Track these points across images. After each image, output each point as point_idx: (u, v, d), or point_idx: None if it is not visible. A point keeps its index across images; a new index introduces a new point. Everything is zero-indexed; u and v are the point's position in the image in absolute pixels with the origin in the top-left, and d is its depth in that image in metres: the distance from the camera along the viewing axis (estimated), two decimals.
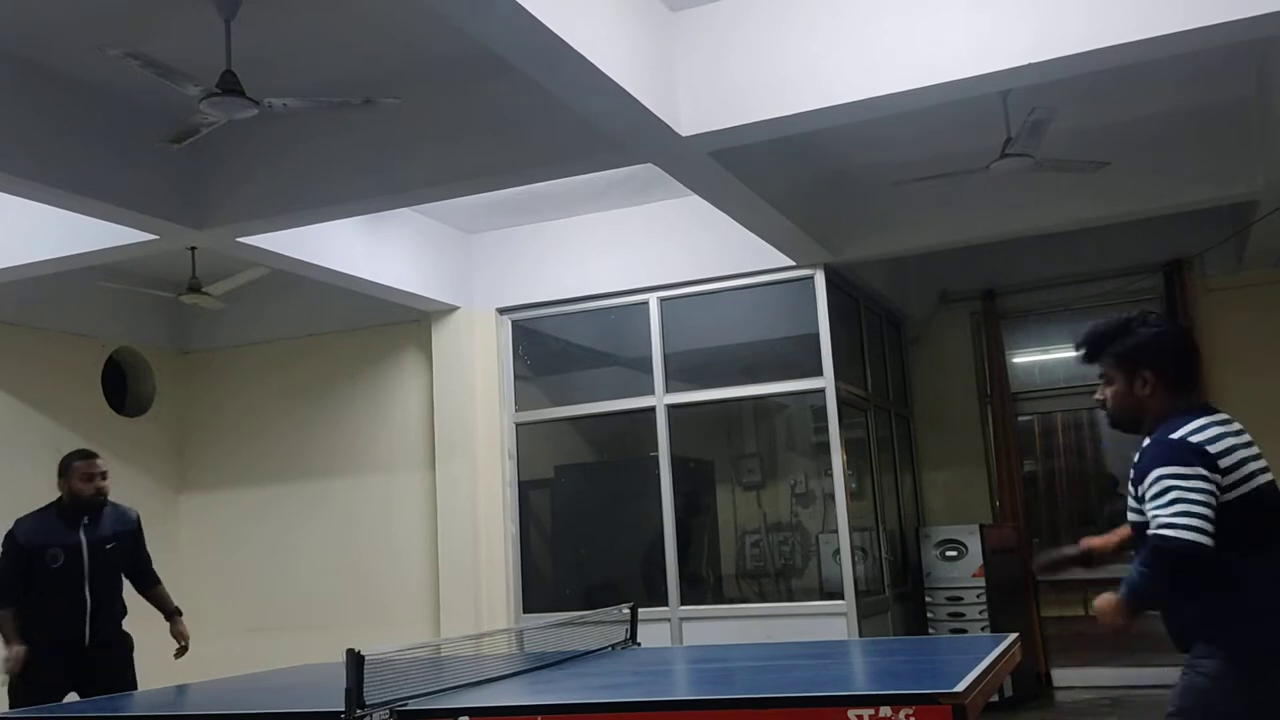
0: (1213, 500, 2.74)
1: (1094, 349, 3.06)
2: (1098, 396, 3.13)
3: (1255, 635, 2.78)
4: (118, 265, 7.77)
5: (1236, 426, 2.92)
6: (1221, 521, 2.73)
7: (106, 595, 5.55)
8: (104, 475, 5.58)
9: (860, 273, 8.07)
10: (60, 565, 5.39)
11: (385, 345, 8.94)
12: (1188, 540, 2.69)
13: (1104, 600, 2.89)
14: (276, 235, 6.74)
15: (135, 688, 5.52)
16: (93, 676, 5.36)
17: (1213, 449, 2.80)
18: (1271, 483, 2.87)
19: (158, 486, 9.31)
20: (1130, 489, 2.98)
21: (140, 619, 5.84)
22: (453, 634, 7.48)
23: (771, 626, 7.22)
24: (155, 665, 5.74)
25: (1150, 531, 2.78)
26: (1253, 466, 2.84)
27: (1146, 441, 2.95)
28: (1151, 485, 2.80)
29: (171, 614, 5.83)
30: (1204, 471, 2.76)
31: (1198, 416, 2.88)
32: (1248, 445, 2.90)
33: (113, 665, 5.52)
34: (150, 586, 5.88)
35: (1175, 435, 2.84)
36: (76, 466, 5.52)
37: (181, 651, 5.75)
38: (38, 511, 5.54)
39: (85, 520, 5.52)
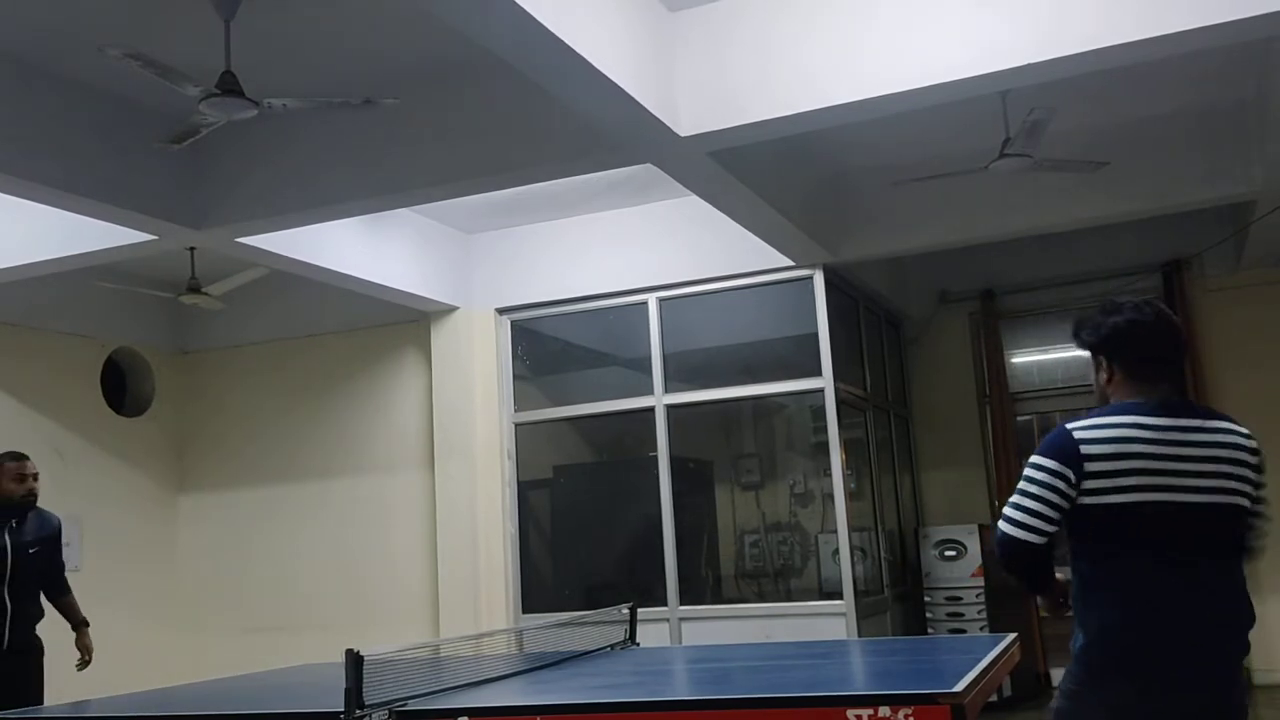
0: (1055, 499, 2.63)
1: (1074, 336, 2.97)
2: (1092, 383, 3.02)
3: (1099, 645, 2.65)
4: (117, 265, 7.77)
5: (1198, 437, 2.67)
6: (1079, 525, 2.66)
7: (25, 600, 5.48)
8: (35, 477, 5.54)
9: (859, 273, 8.08)
10: None
11: (384, 345, 8.94)
12: (1008, 535, 2.68)
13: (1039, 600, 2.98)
14: (276, 235, 6.75)
15: (42, 697, 5.45)
16: (2, 682, 5.28)
17: (1088, 449, 2.62)
18: (1167, 504, 2.61)
19: (157, 486, 9.32)
20: None
21: (54, 624, 5.81)
22: (452, 634, 7.48)
23: (770, 626, 7.22)
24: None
25: None
26: (1146, 480, 2.61)
27: None
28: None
29: (79, 624, 5.75)
30: (1058, 467, 2.63)
31: (1122, 413, 2.68)
32: (1180, 458, 2.63)
33: (27, 671, 5.45)
34: (62, 594, 5.78)
35: (1070, 424, 2.71)
36: (8, 467, 5.47)
37: (84, 664, 5.69)
38: None
39: (12, 523, 5.46)
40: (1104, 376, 2.83)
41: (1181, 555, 2.63)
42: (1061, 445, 2.66)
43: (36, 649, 5.57)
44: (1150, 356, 2.80)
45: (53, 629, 5.76)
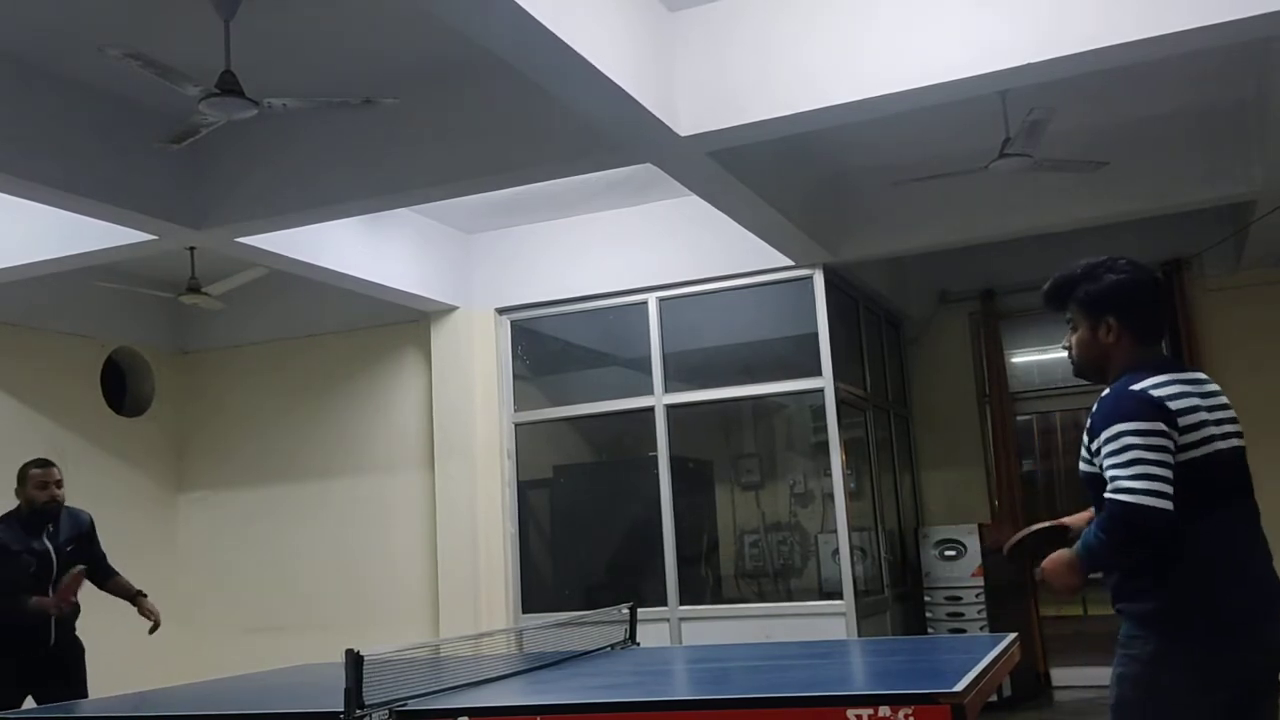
0: (1171, 460, 2.57)
1: (1059, 293, 2.92)
2: (1064, 344, 2.99)
3: (1191, 603, 2.60)
4: (117, 265, 7.77)
5: (1210, 387, 2.76)
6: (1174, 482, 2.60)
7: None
8: (59, 483, 5.65)
9: (859, 273, 8.08)
10: (33, 572, 5.47)
11: (384, 345, 8.94)
12: (1148, 506, 2.52)
13: (1055, 558, 2.76)
14: (275, 235, 6.74)
15: (87, 690, 5.59)
16: (48, 679, 5.42)
17: (1174, 405, 2.62)
18: (1231, 450, 2.71)
19: (157, 486, 9.31)
20: (1084, 439, 2.78)
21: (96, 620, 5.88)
22: (452, 634, 7.48)
23: (770, 626, 7.22)
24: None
25: (1108, 495, 2.59)
26: (1212, 430, 2.67)
27: (1106, 391, 2.78)
28: (1109, 441, 2.61)
29: (135, 596, 5.87)
30: (1163, 428, 2.58)
31: (1163, 371, 2.71)
32: (1214, 408, 2.72)
33: (73, 668, 5.60)
34: (109, 578, 5.93)
35: (1137, 387, 2.65)
36: (33, 474, 5.60)
37: (155, 627, 5.81)
38: (1, 519, 5.60)
39: (49, 527, 5.60)
40: (1110, 336, 2.80)
41: (1246, 503, 2.72)
42: (1156, 405, 2.62)
43: (79, 648, 5.69)
44: (1154, 314, 2.84)
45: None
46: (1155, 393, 2.64)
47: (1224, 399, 2.79)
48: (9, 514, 5.62)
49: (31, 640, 5.43)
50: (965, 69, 4.72)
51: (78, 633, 5.71)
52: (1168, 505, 2.53)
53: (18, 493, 5.60)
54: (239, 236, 6.56)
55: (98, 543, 5.91)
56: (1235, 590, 2.63)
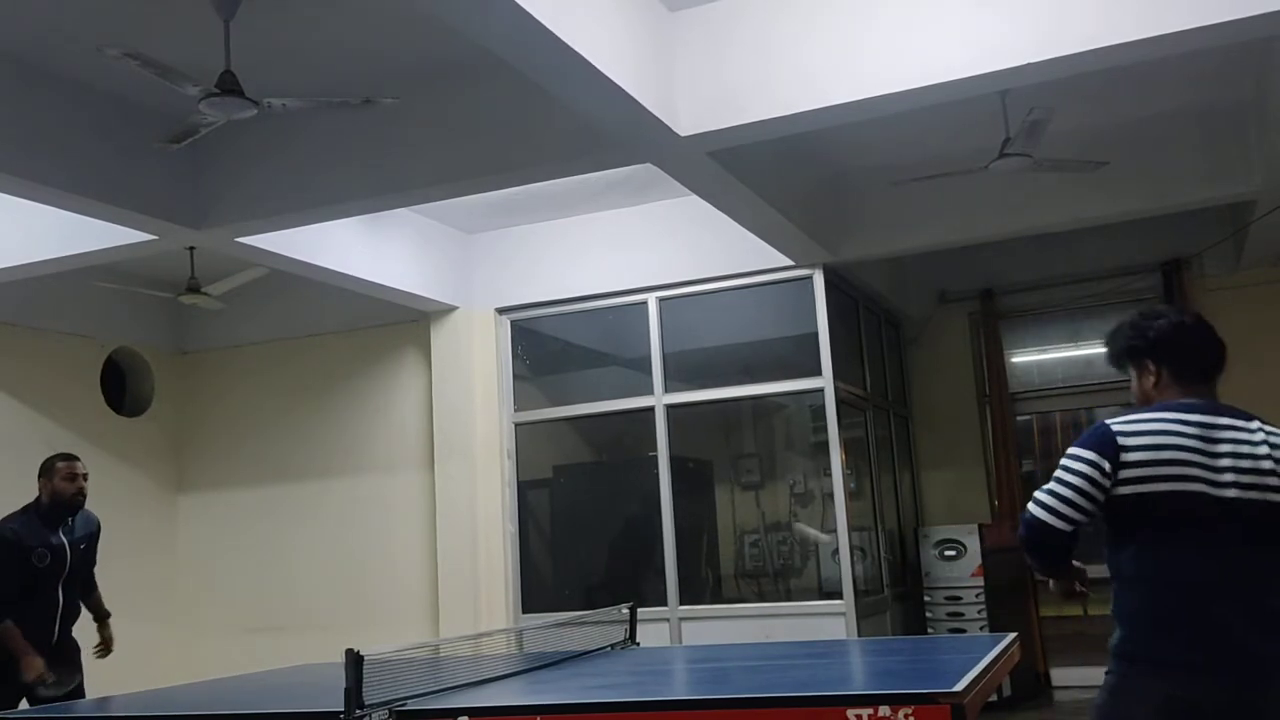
0: (1088, 488, 2.69)
1: (1111, 347, 3.05)
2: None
3: (1132, 637, 2.71)
4: (117, 265, 7.77)
5: (1228, 434, 2.71)
6: (1114, 516, 2.72)
7: (73, 597, 5.61)
8: (85, 477, 5.61)
9: (859, 273, 8.08)
10: (45, 566, 5.42)
11: (384, 345, 8.94)
12: (1029, 515, 2.74)
13: (1050, 586, 2.98)
14: (275, 235, 6.74)
15: (84, 689, 5.56)
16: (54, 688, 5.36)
17: (1125, 441, 2.70)
18: (1202, 495, 2.66)
19: (157, 486, 9.31)
20: None
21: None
22: (452, 634, 7.48)
23: (770, 626, 7.22)
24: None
25: None
26: (1182, 471, 2.67)
27: None
28: None
29: (104, 618, 5.88)
30: (1094, 457, 2.71)
31: (1163, 410, 2.77)
32: (1207, 454, 2.69)
33: (73, 666, 5.56)
34: (93, 591, 5.89)
35: (1109, 420, 2.80)
36: (60, 468, 5.53)
37: (105, 652, 5.79)
38: (19, 513, 5.53)
39: (68, 521, 5.56)
40: (1150, 380, 2.91)
41: (1216, 545, 2.68)
42: (1099, 437, 2.74)
43: (77, 648, 5.67)
44: (1195, 360, 2.92)
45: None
46: (1117, 427, 2.75)
47: (1259, 450, 2.72)
48: (27, 507, 5.55)
49: (34, 640, 5.36)
50: (965, 69, 4.72)
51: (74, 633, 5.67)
52: (1050, 519, 2.71)
53: (42, 485, 5.53)
54: (239, 236, 6.56)
55: (96, 549, 5.86)
56: (1178, 631, 2.65)
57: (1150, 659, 2.67)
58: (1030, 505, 2.76)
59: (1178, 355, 2.90)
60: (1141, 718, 2.66)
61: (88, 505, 5.72)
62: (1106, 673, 2.77)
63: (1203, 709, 2.60)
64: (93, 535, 5.75)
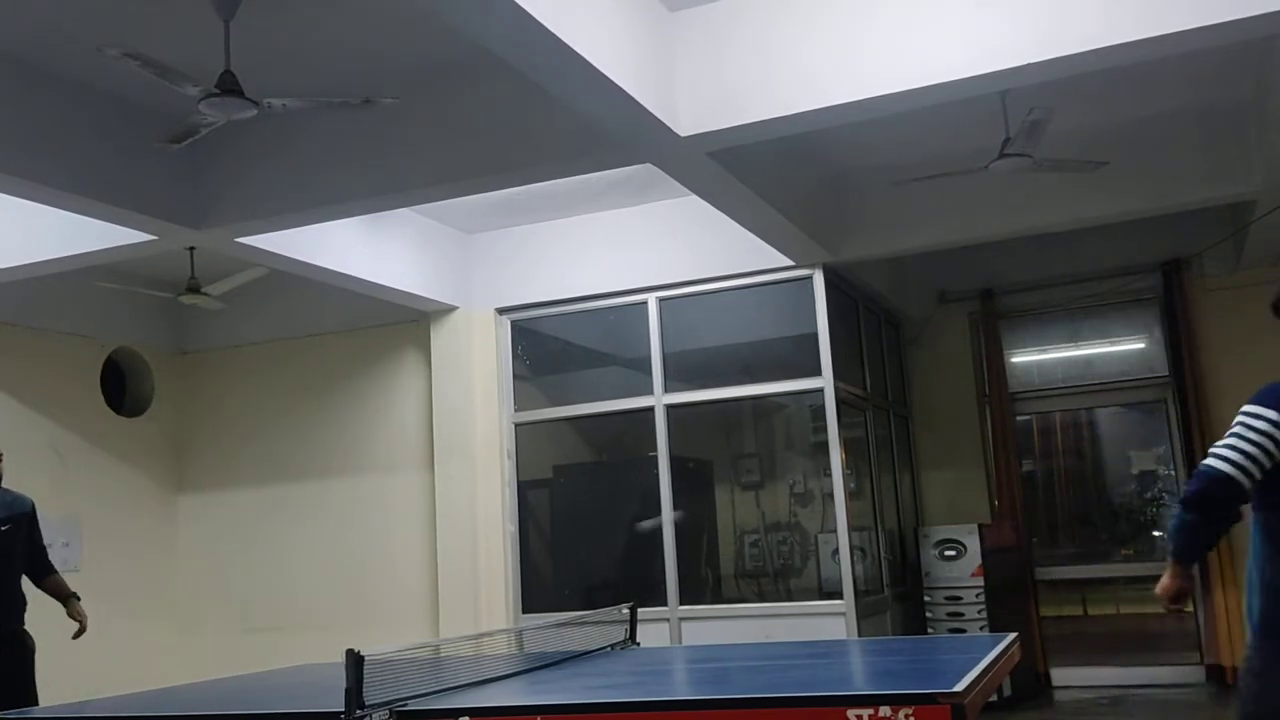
0: (1271, 446, 2.66)
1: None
2: None
3: None
4: (117, 265, 7.77)
5: None
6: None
7: (3, 585, 5.39)
8: (0, 457, 5.45)
9: (859, 273, 8.08)
10: None
11: (384, 345, 8.94)
12: (1216, 470, 2.65)
13: (1160, 584, 2.84)
14: (275, 235, 6.75)
15: (35, 696, 5.29)
16: None
17: None
18: None
19: (157, 487, 9.32)
20: None
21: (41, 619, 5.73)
22: (452, 634, 7.48)
23: (770, 626, 7.22)
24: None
25: None
26: None
27: None
28: (1235, 420, 2.75)
29: (68, 598, 5.67)
30: (1278, 418, 2.67)
31: None
32: None
33: (13, 666, 5.30)
34: (46, 575, 5.72)
35: None
36: None
37: (80, 632, 5.63)
38: None
39: None
40: None
41: None
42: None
43: (24, 644, 5.44)
44: None
45: (40, 624, 5.70)
46: None
47: None
48: None
49: None
50: (965, 69, 4.72)
51: (26, 626, 5.46)
52: (1236, 474, 2.64)
53: None
54: (239, 236, 6.56)
55: (39, 533, 5.71)
56: None
57: None
58: (1210, 460, 2.69)
59: None
60: None
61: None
62: (1254, 651, 2.68)
63: None
64: (22, 515, 5.53)
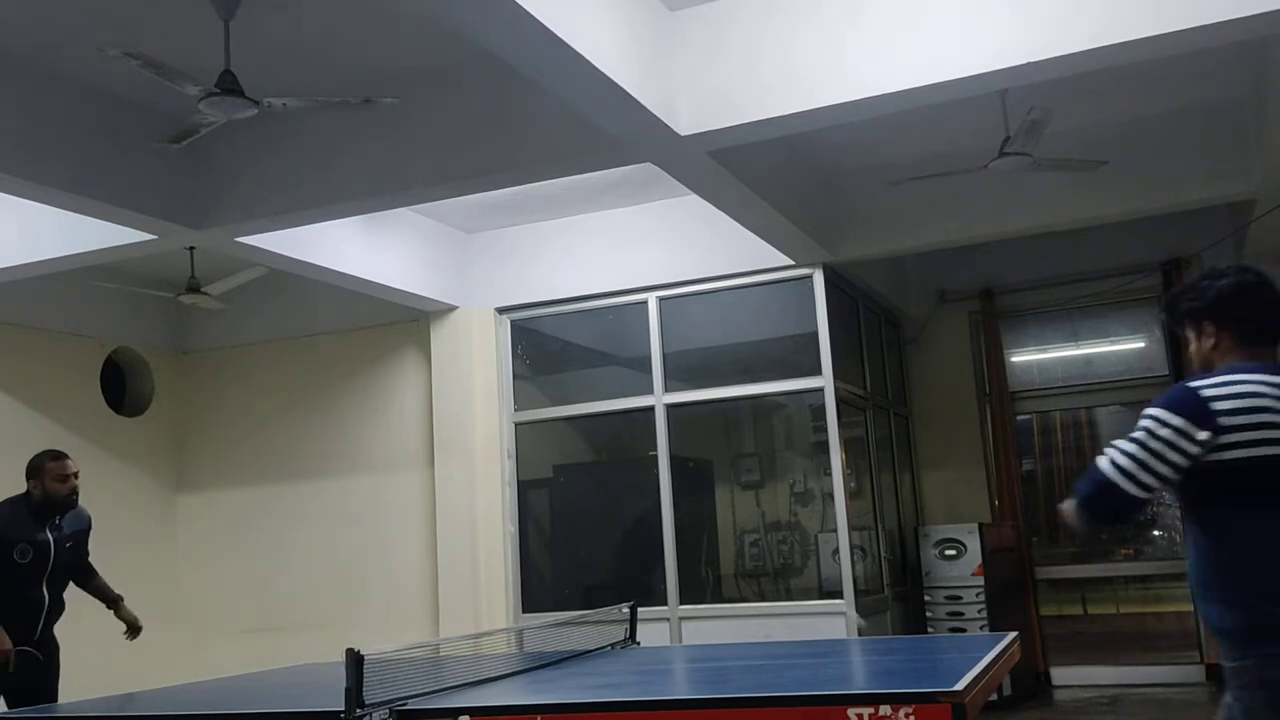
0: (1174, 457, 2.56)
1: (1170, 310, 2.92)
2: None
3: (1243, 583, 2.57)
4: (117, 265, 7.77)
5: None
6: (1212, 485, 2.57)
7: (58, 594, 5.56)
8: (76, 475, 5.56)
9: (859, 272, 8.08)
10: (28, 562, 5.36)
11: (384, 345, 8.94)
12: (1100, 473, 2.62)
13: (1065, 504, 2.83)
14: (275, 235, 6.74)
15: (56, 693, 5.47)
16: (24, 676, 5.30)
17: (1219, 405, 2.56)
18: None
19: (156, 486, 9.32)
20: None
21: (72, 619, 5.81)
22: (452, 634, 7.48)
23: (770, 626, 7.22)
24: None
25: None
26: (1275, 435, 2.57)
27: None
28: (1140, 419, 2.65)
29: (115, 601, 5.81)
30: (1182, 423, 2.56)
31: (1245, 372, 2.62)
32: None
33: (49, 666, 5.49)
34: (91, 579, 5.85)
35: (1193, 383, 2.63)
36: (50, 467, 5.47)
37: (135, 633, 5.75)
38: (7, 504, 5.46)
39: (55, 519, 5.50)
40: (1209, 342, 2.78)
41: None
42: (1188, 401, 2.59)
43: (56, 645, 5.61)
44: (1261, 319, 2.77)
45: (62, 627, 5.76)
46: (1205, 390, 2.60)
47: None
48: (16, 500, 5.48)
49: (16, 635, 5.26)
50: (965, 69, 4.72)
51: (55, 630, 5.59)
52: (1135, 490, 2.59)
53: (32, 485, 5.46)
54: (239, 236, 6.56)
55: (87, 543, 5.81)
56: (1269, 593, 2.55)
57: (1256, 593, 2.53)
58: (1103, 461, 2.62)
59: (1241, 315, 2.75)
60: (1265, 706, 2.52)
61: (85, 504, 5.67)
62: (1241, 658, 2.58)
63: None
64: (82, 533, 5.69)
